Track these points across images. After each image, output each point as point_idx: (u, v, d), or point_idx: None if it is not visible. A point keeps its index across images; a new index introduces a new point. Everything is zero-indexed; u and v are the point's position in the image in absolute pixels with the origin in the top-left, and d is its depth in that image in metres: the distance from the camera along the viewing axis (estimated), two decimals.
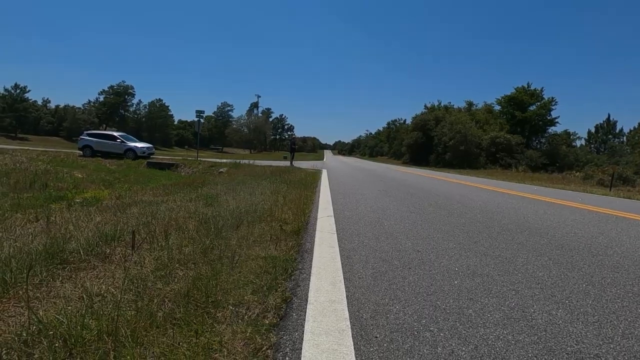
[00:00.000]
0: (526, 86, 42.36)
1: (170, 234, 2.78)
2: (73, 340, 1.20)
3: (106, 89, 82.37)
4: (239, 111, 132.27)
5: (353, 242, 2.84)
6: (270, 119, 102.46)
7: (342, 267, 2.18)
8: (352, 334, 1.36)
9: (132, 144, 23.46)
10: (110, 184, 10.65)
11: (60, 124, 77.12)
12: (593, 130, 52.60)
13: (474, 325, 1.49)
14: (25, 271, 1.85)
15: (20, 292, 1.61)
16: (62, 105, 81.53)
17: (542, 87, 42.03)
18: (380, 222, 3.78)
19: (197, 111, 22.92)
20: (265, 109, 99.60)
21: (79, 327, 1.24)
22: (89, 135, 24.24)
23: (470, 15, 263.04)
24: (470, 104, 53.89)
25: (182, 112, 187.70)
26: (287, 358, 1.22)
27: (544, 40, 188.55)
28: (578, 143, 48.63)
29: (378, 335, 1.37)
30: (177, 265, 2.11)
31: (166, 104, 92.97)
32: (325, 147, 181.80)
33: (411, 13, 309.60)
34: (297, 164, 22.78)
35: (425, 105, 60.53)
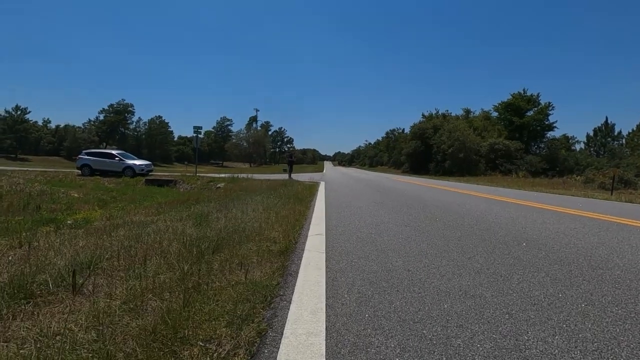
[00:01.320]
0: (522, 92, 42.57)
1: (150, 259, 2.66)
2: None
3: (106, 107, 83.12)
4: (238, 125, 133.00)
5: (341, 262, 2.71)
6: (270, 132, 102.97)
7: (326, 291, 2.05)
8: None
9: (131, 162, 23.49)
10: (105, 203, 10.55)
11: (61, 143, 77.56)
12: (592, 133, 52.59)
13: (461, 359, 1.36)
14: None
15: None
16: (62, 125, 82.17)
17: (539, 93, 42.24)
18: (373, 238, 3.65)
19: (194, 127, 22.97)
20: (264, 122, 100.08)
21: None
22: (88, 154, 24.28)
23: (465, 21, 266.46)
24: (467, 112, 54.15)
25: (182, 128, 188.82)
26: None
27: (538, 43, 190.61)
28: (577, 147, 48.59)
29: None
30: (150, 295, 1.98)
31: (165, 121, 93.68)
32: (325, 158, 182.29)
33: (406, 20, 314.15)
34: (296, 176, 22.71)
35: (423, 114, 60.85)
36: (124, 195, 15.36)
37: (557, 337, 1.54)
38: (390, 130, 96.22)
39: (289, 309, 1.82)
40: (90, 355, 1.34)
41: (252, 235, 3.57)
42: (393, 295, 2.01)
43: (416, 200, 7.90)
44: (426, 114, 60.22)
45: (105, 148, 79.37)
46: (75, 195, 14.51)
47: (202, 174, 24.52)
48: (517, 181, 25.15)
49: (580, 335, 1.56)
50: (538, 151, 42.39)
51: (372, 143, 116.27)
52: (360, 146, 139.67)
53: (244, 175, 24.94)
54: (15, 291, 1.97)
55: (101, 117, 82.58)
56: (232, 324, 1.67)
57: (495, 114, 46.30)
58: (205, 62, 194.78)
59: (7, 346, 1.42)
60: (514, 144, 38.85)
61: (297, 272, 2.44)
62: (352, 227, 4.30)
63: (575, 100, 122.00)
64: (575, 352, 1.42)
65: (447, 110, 55.91)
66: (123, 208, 8.08)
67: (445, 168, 42.23)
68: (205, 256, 2.75)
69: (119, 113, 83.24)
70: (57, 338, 1.51)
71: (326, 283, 2.20)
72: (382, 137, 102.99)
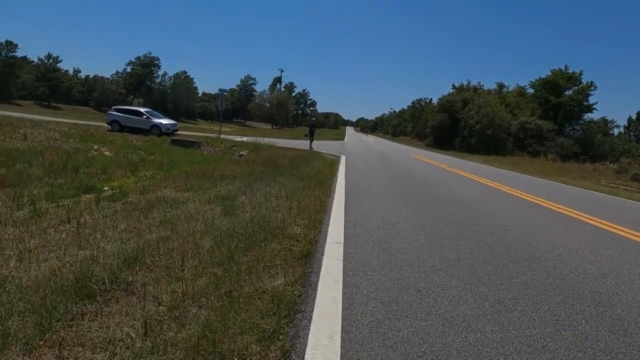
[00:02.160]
0: (563, 69, 39.88)
1: (187, 259, 2.98)
2: None
3: (133, 59, 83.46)
4: (262, 85, 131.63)
5: (357, 275, 2.95)
6: (293, 94, 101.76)
7: (342, 312, 2.31)
8: None
9: (158, 121, 24.10)
10: (135, 167, 11.09)
11: (90, 94, 79.48)
12: (634, 117, 49.39)
13: None
14: (60, 306, 2.09)
15: (54, 337, 1.84)
16: (91, 76, 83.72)
17: (581, 71, 39.47)
18: (389, 243, 3.87)
19: (220, 89, 23.05)
20: (288, 83, 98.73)
21: None
22: (117, 110, 25.02)
23: None
24: (501, 86, 51.50)
25: (206, 84, 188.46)
26: None
27: (585, 19, 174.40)
28: (616, 131, 45.95)
29: None
30: (189, 302, 2.30)
31: (190, 76, 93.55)
32: (348, 123, 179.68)
33: None
34: (317, 144, 22.80)
35: (453, 85, 58.32)
36: (151, 157, 16.00)
37: None
38: (417, 99, 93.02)
39: (309, 329, 2.10)
40: None
41: (276, 231, 3.84)
42: (401, 321, 2.25)
43: (436, 193, 7.98)
44: (457, 84, 57.70)
45: (132, 101, 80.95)
46: (107, 153, 15.24)
47: (225, 136, 24.85)
48: (545, 165, 24.36)
49: None
50: (572, 133, 40.44)
51: (397, 111, 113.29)
52: (384, 113, 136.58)
53: (267, 140, 25.24)
54: (79, 288, 2.32)
55: (128, 69, 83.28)
56: (262, 340, 1.97)
57: (531, 90, 43.88)
58: (232, 17, 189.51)
59: (81, 352, 1.76)
60: (547, 124, 37.14)
61: (316, 284, 2.71)
62: (369, 226, 4.51)
63: (621, 84, 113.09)
64: None
65: (480, 83, 53.30)
66: (153, 177, 8.53)
67: (470, 144, 41.11)
68: (235, 256, 3.05)
69: (146, 66, 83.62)
70: (121, 344, 1.84)
71: (342, 301, 2.45)
72: (408, 106, 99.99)
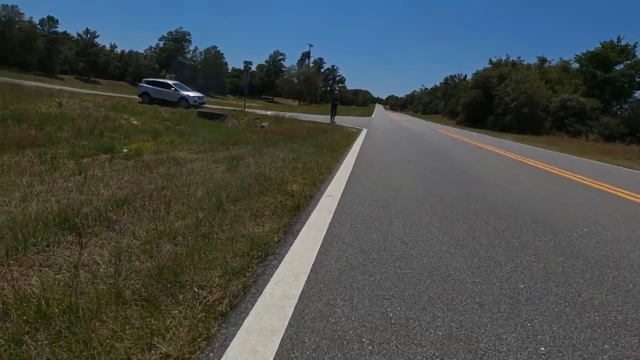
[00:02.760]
0: (615, 41, 36.32)
1: (175, 203, 3.00)
2: (39, 314, 1.42)
3: (165, 35, 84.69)
4: (291, 61, 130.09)
5: (344, 226, 2.85)
6: (322, 70, 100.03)
7: (316, 256, 2.23)
8: (283, 337, 1.45)
9: (185, 93, 24.52)
10: (158, 134, 11.38)
11: (126, 68, 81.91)
12: None
13: (413, 342, 1.50)
14: (39, 235, 2.16)
15: (24, 258, 1.90)
16: (127, 51, 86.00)
17: (636, 43, 35.74)
18: (387, 202, 3.72)
19: (245, 62, 22.99)
20: (317, 59, 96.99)
21: (44, 304, 1.46)
22: (147, 82, 25.64)
23: None
24: (542, 61, 47.96)
25: (236, 60, 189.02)
26: (212, 354, 1.35)
27: None
28: None
29: (307, 340, 1.44)
30: (165, 239, 2.31)
31: (221, 52, 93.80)
32: (378, 101, 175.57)
33: None
34: (342, 119, 22.43)
35: (490, 60, 54.93)
36: (177, 127, 16.40)
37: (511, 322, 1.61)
38: (450, 76, 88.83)
39: (277, 268, 2.04)
40: (105, 287, 1.67)
41: (273, 187, 3.79)
42: (377, 268, 2.15)
43: (449, 163, 7.62)
44: (494, 59, 54.29)
45: (164, 76, 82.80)
46: (135, 122, 15.75)
47: (251, 110, 24.93)
48: (584, 145, 22.74)
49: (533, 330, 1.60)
50: (620, 113, 37.26)
51: (429, 89, 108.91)
52: (415, 91, 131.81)
53: (290, 114, 25.12)
54: (63, 221, 2.38)
55: (161, 44, 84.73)
56: (225, 274, 1.93)
57: (576, 65, 40.52)
58: None
59: (46, 271, 1.80)
60: (591, 101, 34.35)
61: (299, 231, 2.64)
62: (372, 187, 4.36)
63: None
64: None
65: (519, 58, 49.87)
66: (172, 142, 8.74)
67: (504, 123, 39.00)
68: (223, 205, 3.03)
69: (177, 41, 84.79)
70: (86, 268, 1.87)
71: (320, 247, 2.37)
72: (440, 83, 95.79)
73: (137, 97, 25.46)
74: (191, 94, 24.43)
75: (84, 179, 4.14)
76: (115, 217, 2.62)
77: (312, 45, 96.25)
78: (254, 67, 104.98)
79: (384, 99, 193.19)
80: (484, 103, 44.84)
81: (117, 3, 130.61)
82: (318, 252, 2.29)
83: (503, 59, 52.89)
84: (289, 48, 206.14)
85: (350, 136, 10.80)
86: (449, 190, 4.57)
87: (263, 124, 15.85)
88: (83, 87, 45.22)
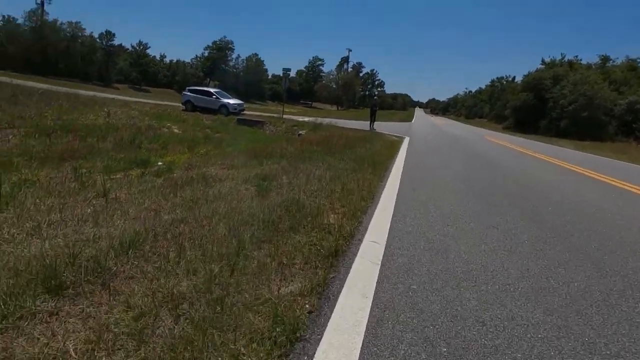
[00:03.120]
0: None
1: (191, 247, 2.50)
2: None
3: (210, 44, 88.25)
4: (330, 66, 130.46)
5: (397, 288, 2.19)
6: (361, 74, 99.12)
7: (362, 346, 1.60)
8: None
9: (226, 101, 24.93)
10: (196, 143, 11.33)
11: (174, 77, 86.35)
12: None
13: None
14: (11, 303, 1.73)
15: None
16: (174, 61, 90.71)
17: None
18: (446, 245, 3.00)
19: (283, 69, 22.92)
20: (356, 63, 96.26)
21: None
22: (190, 91, 26.44)
23: None
24: (605, 59, 43.80)
25: (276, 67, 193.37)
26: None
27: None
28: None
29: None
30: (167, 309, 1.79)
31: (261, 59, 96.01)
32: (417, 105, 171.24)
33: None
34: (381, 125, 21.59)
35: (542, 60, 51.22)
36: (216, 135, 16.47)
37: None
38: (496, 78, 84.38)
39: None
40: None
41: (306, 219, 3.21)
42: None
43: (514, 181, 6.61)
44: (547, 59, 50.49)
45: (208, 83, 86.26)
46: (176, 131, 16.03)
47: (289, 116, 24.77)
48: None
49: None
50: None
51: (473, 92, 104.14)
52: (458, 94, 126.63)
53: (329, 120, 24.67)
54: (48, 277, 1.95)
55: (206, 53, 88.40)
56: None
57: None
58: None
59: None
60: None
61: (337, 297, 2.02)
62: (426, 222, 3.64)
63: None
64: None
65: (577, 57, 45.91)
66: (206, 153, 8.50)
67: (559, 127, 35.88)
68: (244, 249, 2.50)
69: (221, 50, 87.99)
70: None
71: (365, 328, 1.74)
72: (486, 86, 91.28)
73: (181, 104, 26.27)
74: (231, 101, 24.81)
75: (106, 203, 3.82)
76: (115, 268, 2.16)
77: (350, 50, 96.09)
78: (293, 73, 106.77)
79: (424, 102, 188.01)
80: (536, 106, 41.70)
81: (167, 15, 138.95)
82: (364, 338, 1.66)
83: (557, 59, 49.07)
84: (328, 53, 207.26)
85: (392, 146, 10.04)
86: (529, 227, 3.72)
87: (300, 132, 15.48)
88: (134, 95, 47.93)
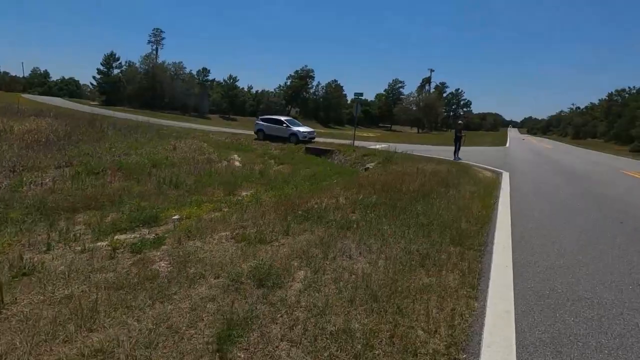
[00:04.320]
0: None
1: None
2: None
3: (292, 73, 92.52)
4: (411, 87, 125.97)
5: None
6: (445, 94, 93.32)
7: None
8: None
9: (296, 129, 24.26)
10: (245, 180, 9.98)
11: (258, 106, 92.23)
12: None
13: None
14: None
15: None
16: (260, 90, 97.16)
17: None
18: None
19: (355, 94, 21.35)
20: (439, 83, 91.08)
21: None
22: (262, 120, 26.50)
23: None
24: None
25: (356, 90, 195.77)
26: None
27: None
28: None
29: None
30: None
31: (340, 84, 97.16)
32: (511, 124, 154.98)
33: None
34: (469, 153, 18.26)
35: None
36: (276, 168, 15.31)
37: None
38: (615, 90, 71.25)
39: None
40: None
41: None
42: None
43: None
44: None
45: (290, 111, 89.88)
46: (237, 163, 15.27)
47: (364, 142, 22.72)
48: None
49: None
50: None
51: (581, 108, 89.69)
52: (562, 111, 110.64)
53: (405, 147, 22.06)
54: None
55: (288, 82, 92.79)
56: None
57: None
58: (380, 23, 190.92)
59: None
60: None
61: None
62: None
63: None
64: None
65: None
66: (241, 202, 6.90)
67: None
68: None
69: (302, 78, 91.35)
70: None
71: None
72: (600, 100, 77.71)
73: (254, 133, 26.34)
74: (301, 129, 24.02)
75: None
76: None
77: (433, 70, 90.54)
78: (372, 97, 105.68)
79: (519, 122, 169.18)
80: None
81: (253, 48, 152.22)
82: None
83: None
84: (410, 75, 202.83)
85: (486, 191, 7.24)
86: None
87: (368, 166, 13.35)
88: (221, 124, 51.44)
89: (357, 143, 23.37)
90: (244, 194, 8.35)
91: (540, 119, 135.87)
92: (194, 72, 79.14)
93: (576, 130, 79.72)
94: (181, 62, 74.85)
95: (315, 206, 5.73)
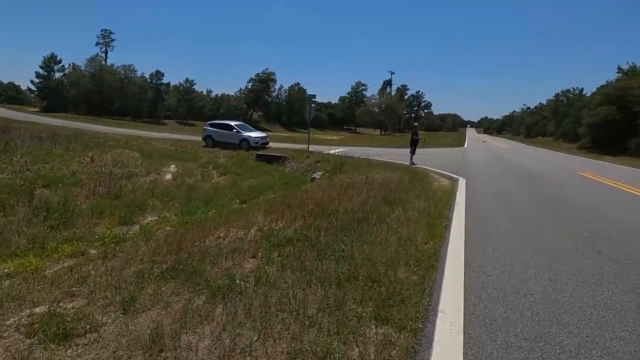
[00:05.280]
0: None
1: None
2: None
3: (253, 76, 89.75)
4: (374, 90, 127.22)
5: None
6: (406, 97, 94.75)
7: None
8: None
9: (247, 134, 22.59)
10: (146, 207, 8.14)
11: (218, 110, 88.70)
12: None
13: None
14: None
15: None
16: (219, 94, 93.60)
17: None
18: None
19: (308, 95, 19.97)
20: (400, 86, 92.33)
21: None
22: (211, 125, 24.58)
23: None
24: None
25: (320, 94, 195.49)
26: None
27: None
28: None
29: None
30: None
31: (303, 88, 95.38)
32: (469, 124, 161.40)
33: None
34: (426, 156, 17.46)
35: (619, 68, 43.45)
36: (215, 180, 13.58)
37: None
38: (561, 91, 75.47)
39: None
40: None
41: None
42: None
43: None
44: (624, 67, 42.66)
45: (252, 115, 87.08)
46: (168, 176, 13.34)
47: (320, 147, 21.30)
48: None
49: None
50: None
51: (532, 108, 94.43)
52: (514, 111, 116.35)
53: (362, 150, 21.03)
54: None
55: (249, 85, 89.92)
56: None
57: None
58: (343, 29, 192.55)
59: None
60: None
61: None
62: None
63: None
64: None
65: None
66: (116, 240, 5.21)
67: None
68: None
69: (263, 82, 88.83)
70: None
71: None
72: (548, 100, 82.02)
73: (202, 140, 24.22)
74: (253, 134, 22.35)
75: None
76: None
77: (393, 73, 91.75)
78: (335, 100, 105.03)
79: (476, 122, 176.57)
80: (621, 122, 34.46)
81: (212, 52, 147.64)
82: None
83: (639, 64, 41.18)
84: (373, 78, 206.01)
85: (437, 209, 6.04)
86: None
87: (315, 176, 11.96)
88: (175, 130, 48.22)
89: (318, 147, 22.00)
90: (147, 220, 6.64)
91: (495, 119, 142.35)
92: (147, 76, 74.42)
93: (528, 129, 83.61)
94: (132, 65, 70.17)
95: (213, 244, 4.18)
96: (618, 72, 43.03)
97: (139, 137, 26.32)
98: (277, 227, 4.68)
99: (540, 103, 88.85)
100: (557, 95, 75.87)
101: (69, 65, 67.92)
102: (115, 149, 16.89)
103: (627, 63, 42.93)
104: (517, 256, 4.00)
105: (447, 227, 5.00)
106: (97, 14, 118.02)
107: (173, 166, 16.04)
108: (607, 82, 41.20)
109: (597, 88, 44.42)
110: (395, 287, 2.91)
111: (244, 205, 7.37)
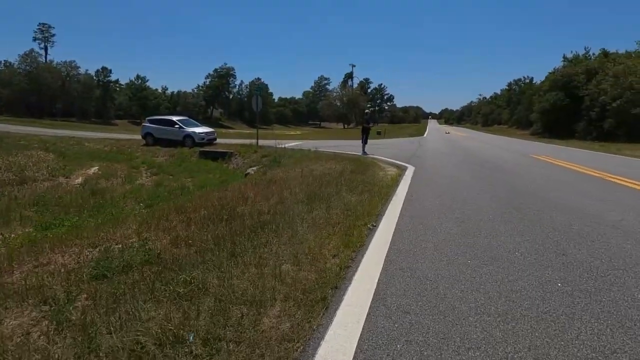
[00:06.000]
0: None
1: None
2: None
3: (211, 72, 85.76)
4: (337, 84, 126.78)
5: None
6: (369, 90, 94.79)
7: None
8: None
9: (191, 130, 20.64)
10: (10, 220, 6.50)
11: (175, 108, 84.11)
12: None
13: None
14: None
15: None
16: (176, 92, 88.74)
17: None
18: None
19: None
20: (363, 79, 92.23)
21: None
22: (150, 121, 22.32)
23: None
24: None
25: (283, 90, 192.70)
26: None
27: None
28: None
29: None
30: None
31: (265, 83, 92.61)
32: (431, 115, 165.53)
33: None
34: (383, 146, 16.59)
35: (564, 57, 45.22)
36: (149, 179, 11.91)
37: None
38: (513, 80, 78.40)
39: None
40: None
41: None
42: None
43: None
44: (569, 55, 44.47)
45: (212, 112, 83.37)
46: (79, 180, 11.47)
47: (271, 142, 19.88)
48: None
49: None
50: None
51: (488, 98, 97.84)
52: (472, 102, 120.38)
53: (316, 143, 19.83)
54: None
55: (207, 81, 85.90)
56: None
57: None
58: (303, 21, 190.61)
59: None
60: None
61: None
62: None
63: None
64: None
65: (604, 49, 39.75)
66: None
67: (602, 130, 29.90)
68: None
69: (222, 77, 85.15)
70: None
71: None
72: (502, 90, 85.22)
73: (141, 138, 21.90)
74: (198, 130, 20.45)
75: None
76: None
77: (354, 66, 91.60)
78: (299, 95, 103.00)
79: (437, 113, 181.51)
80: (569, 107, 35.77)
81: (164, 49, 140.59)
82: None
83: (583, 53, 43.12)
84: (336, 72, 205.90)
85: (370, 205, 4.93)
86: None
87: (249, 171, 10.65)
88: (124, 129, 44.63)
89: (272, 142, 20.47)
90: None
91: (455, 109, 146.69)
92: (92, 73, 68.79)
93: (485, 118, 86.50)
94: (74, 61, 64.60)
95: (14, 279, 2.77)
96: (563, 61, 44.82)
97: (72, 137, 23.54)
98: (134, 244, 3.32)
99: (495, 93, 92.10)
100: (509, 84, 78.85)
101: (1, 62, 61.40)
102: (27, 151, 14.57)
103: (571, 52, 44.80)
104: (452, 274, 2.89)
105: (374, 228, 3.87)
106: (32, 5, 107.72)
107: (95, 168, 14.07)
108: (554, 69, 42.69)
109: (546, 76, 46.09)
110: (247, 352, 1.68)
111: (143, 211, 5.92)
